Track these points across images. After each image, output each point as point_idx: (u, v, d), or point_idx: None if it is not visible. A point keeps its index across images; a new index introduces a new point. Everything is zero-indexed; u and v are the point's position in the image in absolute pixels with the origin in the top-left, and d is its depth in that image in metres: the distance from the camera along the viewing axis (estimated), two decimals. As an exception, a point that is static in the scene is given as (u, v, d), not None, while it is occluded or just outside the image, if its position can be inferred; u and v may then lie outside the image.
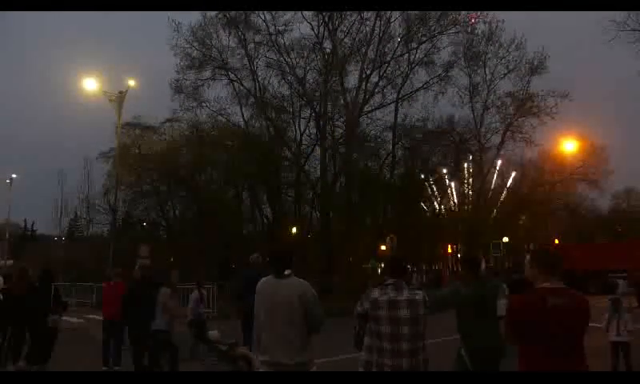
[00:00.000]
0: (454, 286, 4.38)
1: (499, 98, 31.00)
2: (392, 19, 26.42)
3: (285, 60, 27.37)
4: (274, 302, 3.58)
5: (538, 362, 2.83)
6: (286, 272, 3.63)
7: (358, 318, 3.81)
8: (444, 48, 27.44)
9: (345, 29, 26.82)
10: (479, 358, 4.22)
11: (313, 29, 26.93)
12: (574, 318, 2.88)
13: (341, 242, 26.95)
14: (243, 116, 29.50)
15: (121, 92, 21.69)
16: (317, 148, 28.83)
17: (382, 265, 16.21)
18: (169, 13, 26.98)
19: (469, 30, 27.39)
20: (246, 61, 27.72)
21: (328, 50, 27.31)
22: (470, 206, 32.31)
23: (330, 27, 26.72)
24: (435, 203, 33.74)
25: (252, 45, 27.46)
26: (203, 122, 28.84)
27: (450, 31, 26.34)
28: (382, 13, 25.81)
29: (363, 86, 27.25)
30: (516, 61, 29.60)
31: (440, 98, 29.10)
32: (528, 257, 3.20)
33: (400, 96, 28.52)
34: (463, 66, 29.26)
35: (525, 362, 2.90)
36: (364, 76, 27.12)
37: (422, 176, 31.55)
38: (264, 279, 3.76)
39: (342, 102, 28.00)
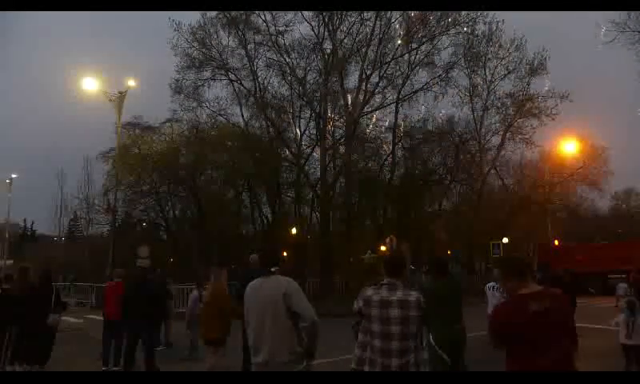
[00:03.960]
0: (415, 279, 4.73)
1: (499, 99, 30.98)
2: (392, 20, 26.39)
3: (285, 60, 27.34)
4: (259, 302, 3.66)
5: (525, 363, 2.85)
6: (272, 269, 3.78)
7: (356, 316, 3.87)
8: (444, 49, 27.41)
9: (345, 29, 26.72)
10: (445, 345, 4.77)
11: (313, 29, 26.89)
12: (556, 319, 2.91)
13: (341, 242, 26.90)
14: (243, 116, 29.48)
15: (121, 92, 21.69)
16: (317, 148, 28.78)
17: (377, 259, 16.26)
18: (169, 13, 27.02)
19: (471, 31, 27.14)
20: (246, 61, 27.66)
21: (328, 51, 27.24)
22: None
23: (330, 28, 26.64)
24: (435, 204, 33.75)
25: (252, 45, 27.40)
26: (203, 122, 28.76)
27: (451, 32, 26.30)
28: (383, 13, 25.78)
29: (363, 87, 27.20)
30: (516, 61, 29.62)
31: (440, 98, 29.05)
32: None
33: (400, 97, 28.52)
34: (463, 66, 29.25)
35: (511, 362, 2.92)
36: (364, 77, 27.04)
37: (422, 177, 31.54)
38: (251, 282, 3.85)
39: (342, 102, 27.96)
